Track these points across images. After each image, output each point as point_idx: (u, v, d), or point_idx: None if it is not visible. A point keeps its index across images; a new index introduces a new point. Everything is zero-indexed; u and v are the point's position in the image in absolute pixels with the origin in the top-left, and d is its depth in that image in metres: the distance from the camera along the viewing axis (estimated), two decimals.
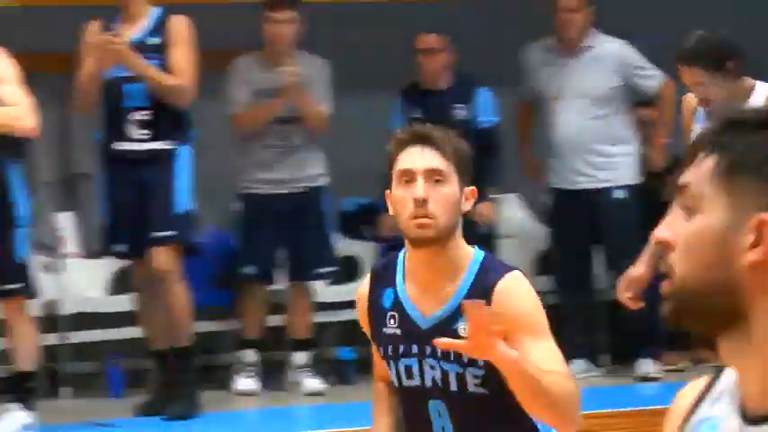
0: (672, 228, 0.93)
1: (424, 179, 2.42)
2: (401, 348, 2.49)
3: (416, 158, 2.45)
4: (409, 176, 2.44)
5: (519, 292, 2.48)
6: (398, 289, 2.52)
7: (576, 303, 7.17)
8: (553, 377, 2.28)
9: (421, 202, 2.40)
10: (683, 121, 5.09)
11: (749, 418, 0.90)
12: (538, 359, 2.30)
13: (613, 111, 7.11)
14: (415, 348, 2.48)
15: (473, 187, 2.53)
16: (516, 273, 2.52)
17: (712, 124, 0.97)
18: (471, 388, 2.44)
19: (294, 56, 6.68)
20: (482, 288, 2.42)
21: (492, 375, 2.34)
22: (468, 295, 2.40)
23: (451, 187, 2.46)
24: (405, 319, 2.50)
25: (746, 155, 0.88)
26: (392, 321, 2.52)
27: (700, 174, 0.90)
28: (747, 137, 0.89)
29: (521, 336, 2.35)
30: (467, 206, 2.53)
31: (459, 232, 2.49)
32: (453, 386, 2.45)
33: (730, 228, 0.87)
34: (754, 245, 0.84)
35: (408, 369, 2.49)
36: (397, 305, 2.51)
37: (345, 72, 6.88)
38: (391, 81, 7.17)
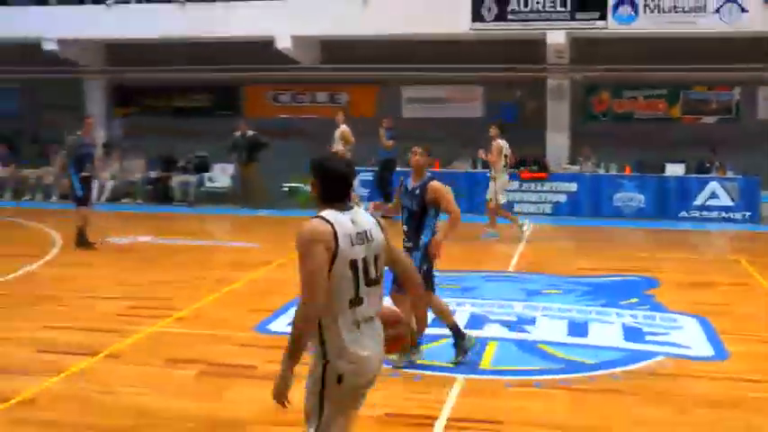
0: None
1: (416, 155, 7.35)
2: (403, 195, 7.34)
3: (415, 150, 7.36)
4: (413, 152, 7.36)
5: (438, 186, 7.14)
6: (408, 179, 7.36)
7: None
8: (454, 218, 7.21)
9: (414, 163, 7.36)
10: None
11: None
12: (448, 207, 7.15)
13: None
14: (407, 194, 7.28)
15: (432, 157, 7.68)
16: (436, 180, 7.19)
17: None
18: (414, 208, 7.17)
19: None
20: (425, 183, 7.14)
21: (417, 212, 7.20)
22: (422, 183, 7.16)
23: (425, 158, 7.34)
24: (406, 187, 7.32)
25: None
26: (404, 188, 7.34)
27: None
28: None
29: (442, 200, 7.13)
30: (430, 163, 7.48)
31: (425, 170, 7.32)
32: (409, 208, 7.19)
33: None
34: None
35: (404, 199, 7.26)
36: (406, 183, 7.38)
37: None
38: None
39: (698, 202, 17.56)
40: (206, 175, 20.68)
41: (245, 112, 20.69)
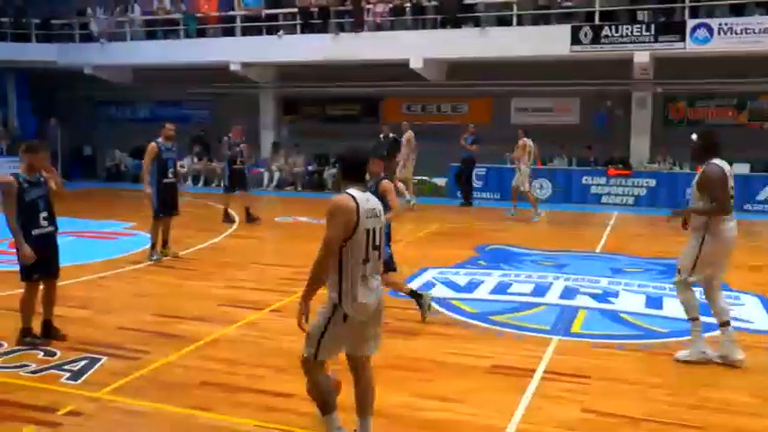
0: None
1: (374, 165, 6.53)
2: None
3: (374, 160, 6.54)
4: (372, 162, 6.37)
5: (387, 184, 6.73)
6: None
7: None
8: (394, 213, 6.69)
9: (374, 172, 6.60)
10: None
11: None
12: (392, 202, 6.64)
13: None
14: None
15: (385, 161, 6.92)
16: (386, 180, 6.75)
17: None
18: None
19: None
20: (379, 180, 6.70)
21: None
22: (377, 182, 6.65)
23: (379, 166, 6.72)
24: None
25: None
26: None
27: None
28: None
29: (388, 195, 6.61)
30: (382, 169, 6.76)
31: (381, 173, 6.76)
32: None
33: None
34: None
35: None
36: None
37: None
38: None
39: (761, 197, 16.38)
40: None
41: (384, 119, 20.75)
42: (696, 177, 6.24)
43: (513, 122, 19.47)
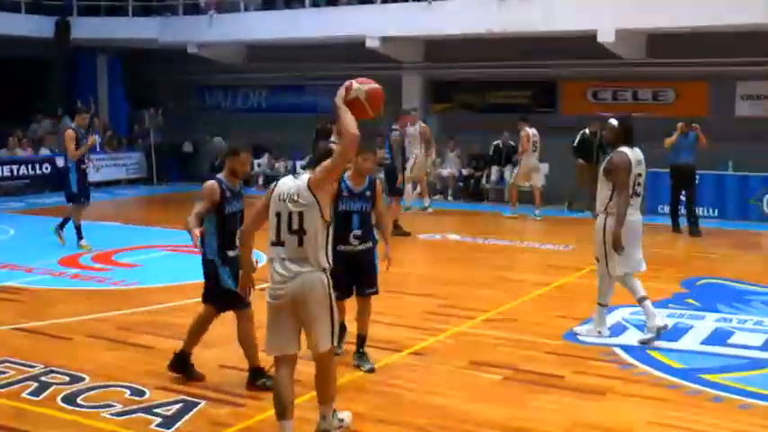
0: None
1: (370, 162, 7.17)
2: (345, 199, 7.11)
3: (370, 157, 7.16)
4: (366, 159, 7.03)
5: (378, 183, 7.22)
6: (346, 183, 7.09)
7: None
8: (386, 220, 7.68)
9: (369, 169, 7.20)
10: None
11: None
12: (380, 206, 7.28)
13: None
14: (352, 198, 7.12)
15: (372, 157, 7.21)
16: (378, 180, 7.36)
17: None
18: (368, 209, 7.12)
19: None
20: (374, 182, 7.19)
21: (369, 211, 7.18)
22: (371, 184, 7.16)
23: (373, 162, 7.28)
24: (351, 191, 7.09)
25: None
26: (347, 191, 7.08)
27: None
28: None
29: (379, 198, 7.23)
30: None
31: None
32: (362, 210, 7.11)
33: None
34: None
35: (348, 203, 7.09)
36: (348, 187, 7.09)
37: None
38: None
39: None
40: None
41: (562, 109, 20.48)
42: (604, 164, 8.12)
43: (738, 115, 18.75)
